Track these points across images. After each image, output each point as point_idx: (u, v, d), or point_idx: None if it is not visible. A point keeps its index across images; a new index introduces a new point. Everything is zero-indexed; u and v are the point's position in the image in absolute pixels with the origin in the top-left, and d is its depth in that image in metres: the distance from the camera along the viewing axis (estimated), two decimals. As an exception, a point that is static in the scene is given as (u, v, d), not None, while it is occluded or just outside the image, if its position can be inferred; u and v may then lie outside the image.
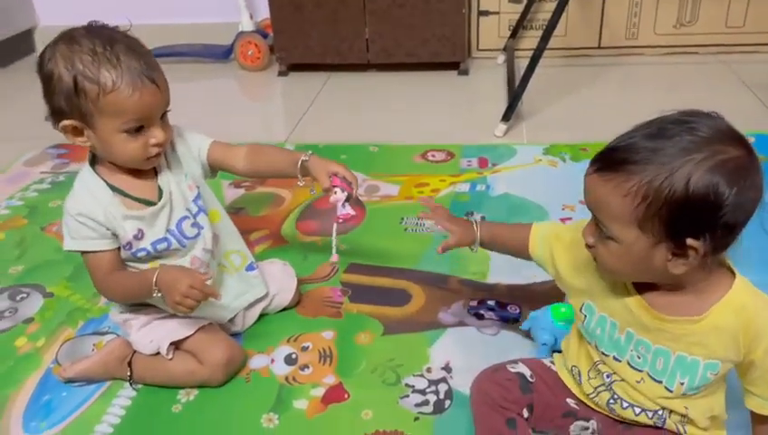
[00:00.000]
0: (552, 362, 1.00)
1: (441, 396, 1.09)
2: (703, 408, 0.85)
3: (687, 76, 2.43)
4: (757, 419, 0.86)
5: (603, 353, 0.88)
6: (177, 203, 1.11)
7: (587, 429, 0.94)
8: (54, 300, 1.38)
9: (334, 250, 1.15)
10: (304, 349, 1.21)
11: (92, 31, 1.00)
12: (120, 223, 1.06)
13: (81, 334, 1.28)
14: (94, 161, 1.09)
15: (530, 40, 2.54)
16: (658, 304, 0.81)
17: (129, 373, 1.14)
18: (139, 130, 1.02)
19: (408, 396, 1.09)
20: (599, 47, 2.62)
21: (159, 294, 1.04)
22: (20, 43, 2.94)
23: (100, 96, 0.97)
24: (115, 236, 1.07)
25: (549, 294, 1.22)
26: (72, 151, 2.02)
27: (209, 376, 1.12)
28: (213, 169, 1.21)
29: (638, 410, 0.87)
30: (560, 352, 1.00)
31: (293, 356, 1.19)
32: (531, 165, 1.82)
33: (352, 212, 1.11)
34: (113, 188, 1.07)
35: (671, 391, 0.83)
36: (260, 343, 1.23)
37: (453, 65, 2.56)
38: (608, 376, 0.89)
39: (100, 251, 1.07)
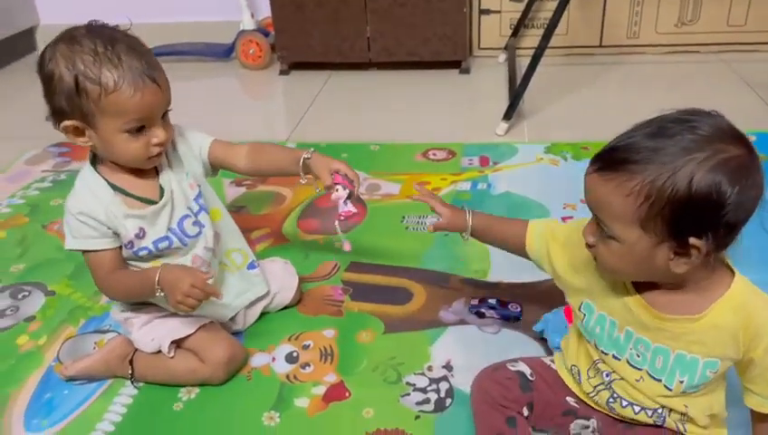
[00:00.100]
0: (552, 361, 1.00)
1: (442, 394, 1.09)
2: (702, 406, 0.85)
3: (689, 75, 2.42)
4: (757, 417, 0.86)
5: (602, 352, 0.88)
6: (178, 202, 1.11)
7: (587, 427, 0.94)
8: (56, 298, 1.39)
9: (344, 240, 1.15)
10: (305, 347, 1.21)
11: (93, 30, 1.00)
12: (122, 222, 1.06)
13: (82, 333, 1.29)
14: (95, 160, 1.09)
15: (531, 39, 2.53)
16: (658, 302, 0.81)
17: (130, 372, 1.14)
18: (140, 129, 1.02)
19: (409, 394, 1.09)
20: (600, 46, 2.62)
21: (162, 294, 1.04)
22: (21, 42, 2.94)
23: (101, 96, 0.97)
24: (116, 235, 1.07)
25: (550, 292, 1.21)
26: (74, 150, 2.02)
27: (210, 374, 1.12)
28: (214, 168, 1.21)
29: (637, 409, 0.87)
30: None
31: (295, 354, 1.20)
32: (532, 164, 1.82)
33: (354, 209, 1.11)
34: (114, 187, 1.07)
35: (670, 390, 0.83)
36: (261, 341, 1.23)
37: (454, 64, 2.56)
38: (607, 375, 0.89)
39: (102, 250, 1.07)
